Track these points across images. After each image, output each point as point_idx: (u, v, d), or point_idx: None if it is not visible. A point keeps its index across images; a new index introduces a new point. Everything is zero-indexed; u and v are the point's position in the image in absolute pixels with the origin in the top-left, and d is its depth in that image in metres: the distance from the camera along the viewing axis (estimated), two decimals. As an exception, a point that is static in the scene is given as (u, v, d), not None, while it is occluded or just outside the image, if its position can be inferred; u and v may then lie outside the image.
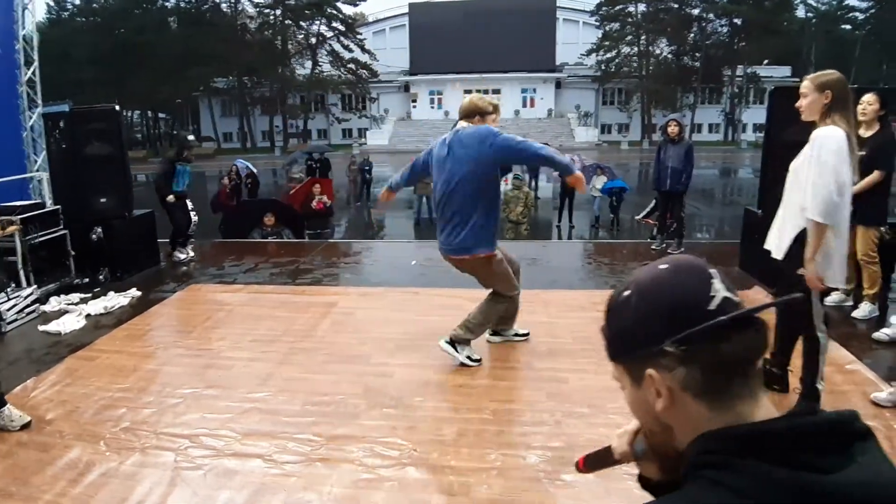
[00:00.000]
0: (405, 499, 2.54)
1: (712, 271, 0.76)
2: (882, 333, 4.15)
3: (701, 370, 0.72)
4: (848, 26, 48.03)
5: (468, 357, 3.78)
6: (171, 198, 6.70)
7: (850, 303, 4.74)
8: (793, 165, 3.02)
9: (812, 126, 2.96)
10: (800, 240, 2.92)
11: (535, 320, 4.41)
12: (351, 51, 46.39)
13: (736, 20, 43.27)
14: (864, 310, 4.57)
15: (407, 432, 3.02)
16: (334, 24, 46.63)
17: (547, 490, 2.55)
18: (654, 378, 0.75)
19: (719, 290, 0.74)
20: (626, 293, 0.79)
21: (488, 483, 2.61)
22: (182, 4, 45.80)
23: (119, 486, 2.64)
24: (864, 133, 4.19)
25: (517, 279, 3.94)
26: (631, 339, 0.78)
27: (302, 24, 46.42)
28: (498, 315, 3.91)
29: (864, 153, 3.64)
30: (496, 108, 3.77)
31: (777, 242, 3.09)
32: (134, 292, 5.48)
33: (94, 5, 43.80)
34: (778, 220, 3.13)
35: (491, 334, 4.14)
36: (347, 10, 46.72)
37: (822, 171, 2.75)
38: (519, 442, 2.93)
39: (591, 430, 2.99)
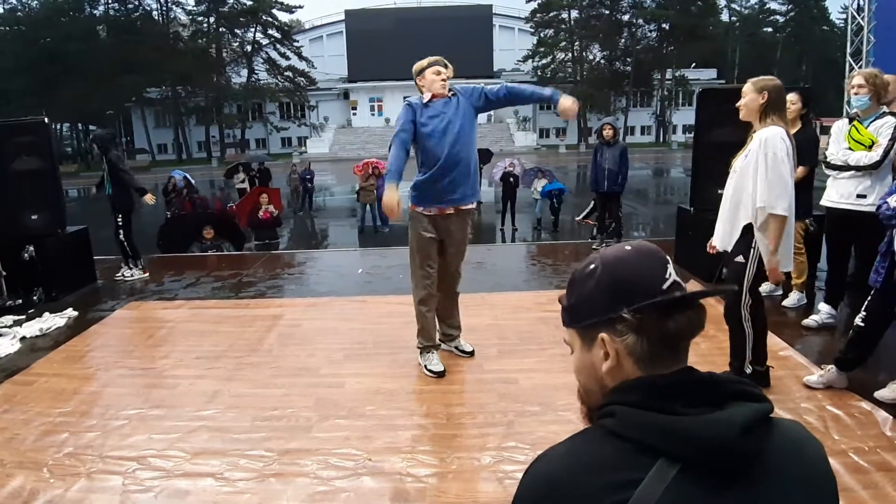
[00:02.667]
0: (362, 508, 2.54)
1: (668, 258, 0.88)
2: (811, 320, 4.41)
3: (647, 339, 0.84)
4: (769, 29, 50.88)
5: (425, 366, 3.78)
6: (149, 197, 6.62)
7: (780, 292, 5.01)
8: (737, 165, 3.20)
9: (746, 126, 3.17)
10: (745, 233, 3.14)
11: (482, 323, 4.47)
12: (288, 58, 45.81)
13: (664, 25, 45.00)
14: (794, 298, 4.85)
15: (361, 442, 3.02)
16: (270, 32, 46.01)
17: (505, 489, 2.60)
18: (606, 341, 0.86)
19: (672, 273, 0.86)
20: (592, 266, 0.89)
21: (445, 487, 2.64)
22: (111, 12, 44.12)
23: (63, 514, 2.53)
24: (790, 130, 4.45)
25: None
26: (592, 305, 0.88)
27: (237, 31, 45.57)
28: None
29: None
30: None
31: (727, 238, 3.25)
32: (70, 312, 5.26)
33: (18, 13, 41.56)
34: (725, 217, 3.27)
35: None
36: (283, 17, 46.24)
37: (779, 168, 2.96)
38: (473, 444, 2.97)
39: (544, 427, 3.07)
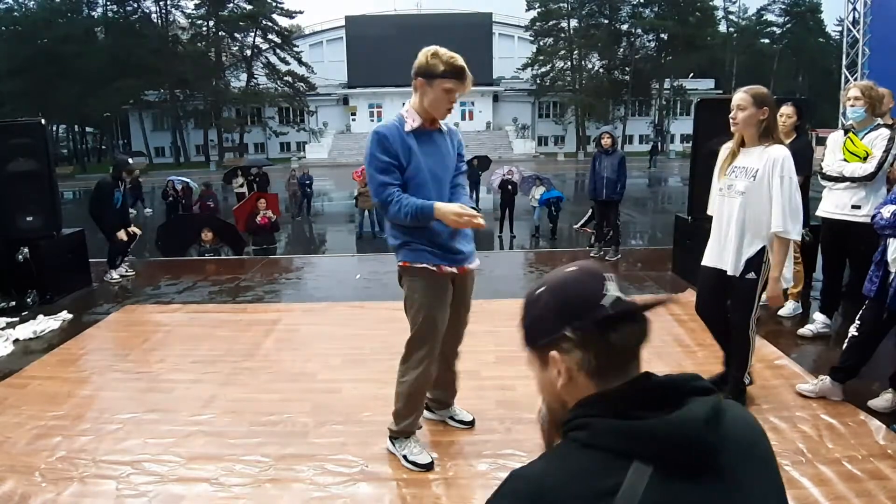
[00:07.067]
0: (357, 514, 2.54)
1: (607, 275, 0.93)
2: (806, 329, 4.44)
3: (594, 354, 0.89)
4: (766, 40, 51.19)
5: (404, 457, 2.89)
6: (121, 234, 6.57)
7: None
8: (742, 186, 3.07)
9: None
10: (758, 253, 3.08)
11: (480, 330, 4.47)
12: (287, 63, 45.87)
13: (662, 35, 45.27)
14: (789, 308, 4.87)
15: (357, 448, 3.02)
16: (270, 37, 46.06)
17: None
18: (556, 359, 0.91)
19: (611, 290, 0.91)
20: (539, 290, 0.96)
21: (441, 493, 2.64)
22: (109, 14, 44.08)
23: (56, 518, 2.53)
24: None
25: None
26: (541, 327, 0.93)
27: (236, 35, 45.62)
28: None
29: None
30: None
31: (736, 263, 3.13)
32: (65, 315, 5.25)
33: (15, 14, 41.48)
34: (733, 239, 3.12)
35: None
36: (283, 22, 46.29)
37: (794, 192, 2.94)
38: (470, 451, 2.97)
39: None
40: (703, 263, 3.34)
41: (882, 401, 3.24)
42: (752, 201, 3.04)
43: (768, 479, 0.89)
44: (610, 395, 0.87)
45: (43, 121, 6.30)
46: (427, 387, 2.89)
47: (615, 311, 0.89)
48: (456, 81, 2.52)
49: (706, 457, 0.80)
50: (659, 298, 0.95)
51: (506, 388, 3.63)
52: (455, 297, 2.81)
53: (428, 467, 2.80)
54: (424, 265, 2.66)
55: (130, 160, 7.17)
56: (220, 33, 45.09)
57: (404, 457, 2.85)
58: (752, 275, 3.10)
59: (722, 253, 3.21)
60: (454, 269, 2.72)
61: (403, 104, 2.71)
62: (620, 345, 0.89)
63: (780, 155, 2.96)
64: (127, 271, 6.83)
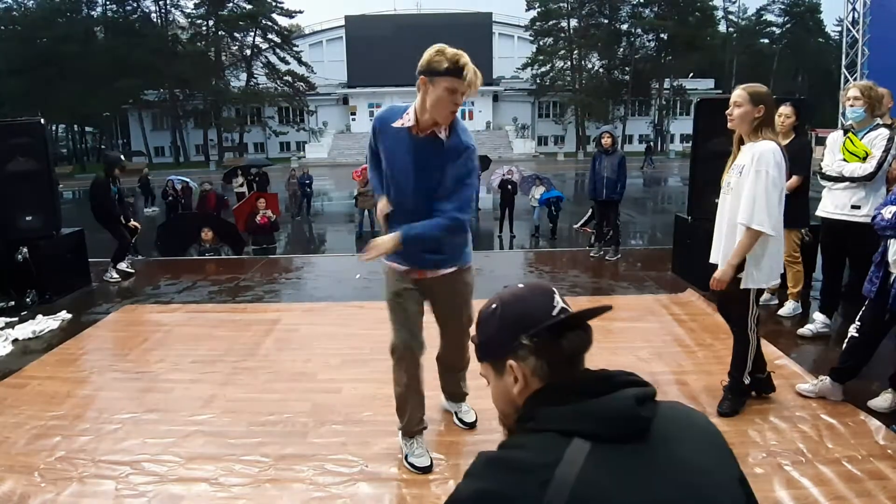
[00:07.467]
0: (357, 514, 2.53)
1: (555, 290, 1.06)
2: (806, 329, 4.43)
3: (546, 359, 1.00)
4: (766, 40, 51.22)
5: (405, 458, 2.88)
6: (133, 223, 6.69)
7: (776, 301, 5.04)
8: (731, 181, 3.13)
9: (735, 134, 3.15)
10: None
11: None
12: (287, 63, 45.84)
13: (662, 35, 45.24)
14: (789, 307, 4.87)
15: (357, 447, 3.02)
16: (270, 36, 46.04)
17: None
18: (513, 367, 1.02)
19: (559, 303, 1.03)
20: (493, 307, 1.07)
21: (441, 493, 2.64)
22: (109, 14, 44.05)
23: (56, 518, 2.52)
24: (782, 142, 4.48)
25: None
26: (498, 339, 1.04)
27: (236, 35, 45.60)
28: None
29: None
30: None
31: (723, 258, 3.17)
32: (64, 315, 5.25)
33: (14, 14, 41.46)
34: (723, 236, 3.20)
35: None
36: (283, 21, 46.28)
37: (768, 186, 2.93)
38: (471, 451, 2.96)
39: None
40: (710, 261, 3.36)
41: (882, 401, 3.24)
42: (736, 197, 3.08)
43: (705, 441, 0.96)
44: (554, 388, 0.99)
45: (42, 121, 6.31)
46: (400, 387, 2.84)
47: (565, 319, 1.00)
48: (459, 80, 2.34)
49: (638, 427, 0.90)
50: (602, 306, 1.05)
51: (505, 387, 3.62)
52: (431, 303, 2.88)
53: (425, 470, 2.79)
54: (386, 262, 2.84)
55: (122, 156, 7.18)
56: (219, 33, 45.06)
57: (406, 457, 2.85)
58: (741, 275, 3.11)
59: (717, 249, 3.25)
60: (404, 268, 2.80)
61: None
62: (570, 350, 1.01)
63: (761, 149, 2.96)
64: (128, 269, 6.84)
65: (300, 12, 45.95)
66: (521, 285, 1.08)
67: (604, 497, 0.84)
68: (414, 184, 2.58)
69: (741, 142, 3.14)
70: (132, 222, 6.85)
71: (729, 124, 3.13)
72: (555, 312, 1.01)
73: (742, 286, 3.12)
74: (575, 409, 0.92)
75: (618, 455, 0.87)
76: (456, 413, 3.27)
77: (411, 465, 2.81)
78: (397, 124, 2.54)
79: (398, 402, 2.87)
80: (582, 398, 0.93)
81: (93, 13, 43.81)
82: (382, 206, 2.73)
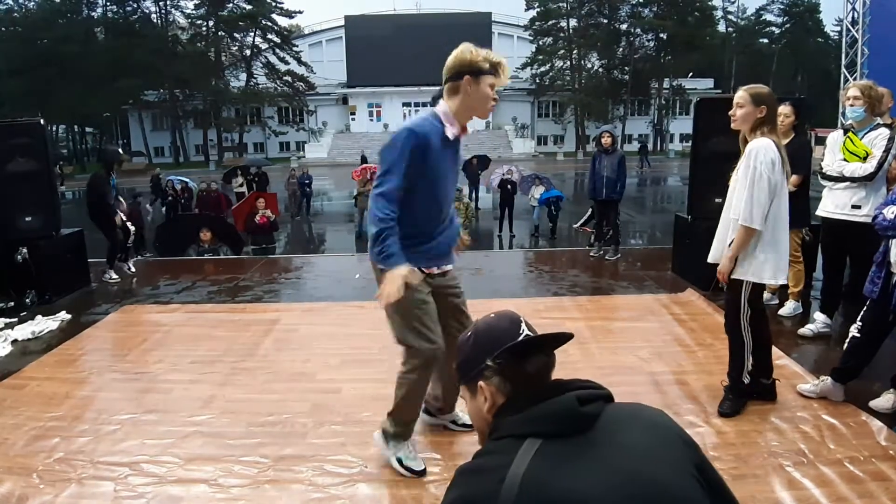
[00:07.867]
0: (357, 515, 2.52)
1: (522, 318, 1.20)
2: (807, 329, 4.42)
3: (511, 380, 1.15)
4: (765, 40, 51.23)
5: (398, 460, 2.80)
6: (119, 218, 6.56)
7: (776, 301, 5.02)
8: (732, 182, 3.17)
9: (739, 135, 3.16)
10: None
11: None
12: (287, 63, 45.84)
13: (662, 35, 45.23)
14: (790, 307, 4.86)
15: (357, 448, 3.01)
16: (269, 36, 46.04)
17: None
18: (482, 387, 1.17)
19: (525, 330, 1.18)
20: (468, 335, 1.23)
21: (441, 494, 2.62)
22: (109, 15, 44.04)
23: (54, 520, 2.51)
24: (781, 142, 4.47)
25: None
26: (470, 363, 1.19)
27: (236, 35, 45.58)
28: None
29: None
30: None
31: (719, 256, 3.22)
32: (64, 315, 5.23)
33: (14, 14, 41.40)
34: (721, 233, 3.25)
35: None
36: (283, 21, 46.26)
37: (758, 181, 2.95)
38: (470, 451, 2.91)
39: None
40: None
41: (884, 401, 3.23)
42: (732, 195, 3.14)
43: (650, 430, 1.07)
44: (513, 401, 1.13)
45: (42, 121, 6.30)
46: (419, 396, 2.82)
47: (524, 341, 1.15)
48: (497, 77, 2.38)
49: (580, 423, 1.03)
50: (563, 334, 1.18)
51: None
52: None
53: (422, 474, 2.76)
54: (424, 270, 2.77)
55: (121, 150, 7.16)
56: (219, 33, 45.04)
57: (400, 461, 2.78)
58: (736, 274, 3.12)
59: (716, 247, 3.27)
60: (445, 268, 2.87)
61: (427, 105, 2.59)
62: (534, 371, 1.15)
63: (754, 147, 3.00)
64: (130, 269, 6.83)
65: (300, 12, 46.00)
66: (492, 315, 1.24)
67: (548, 483, 0.95)
68: (450, 193, 2.58)
69: (745, 142, 3.15)
70: (128, 223, 6.81)
71: (732, 125, 3.16)
72: (520, 338, 1.15)
73: (732, 276, 3.15)
74: (526, 414, 1.06)
75: (563, 448, 1.00)
76: (454, 421, 3.18)
77: (408, 468, 2.76)
78: (451, 135, 2.47)
79: (411, 408, 2.79)
80: (534, 404, 1.07)
81: (93, 14, 43.80)
82: (407, 274, 2.48)
